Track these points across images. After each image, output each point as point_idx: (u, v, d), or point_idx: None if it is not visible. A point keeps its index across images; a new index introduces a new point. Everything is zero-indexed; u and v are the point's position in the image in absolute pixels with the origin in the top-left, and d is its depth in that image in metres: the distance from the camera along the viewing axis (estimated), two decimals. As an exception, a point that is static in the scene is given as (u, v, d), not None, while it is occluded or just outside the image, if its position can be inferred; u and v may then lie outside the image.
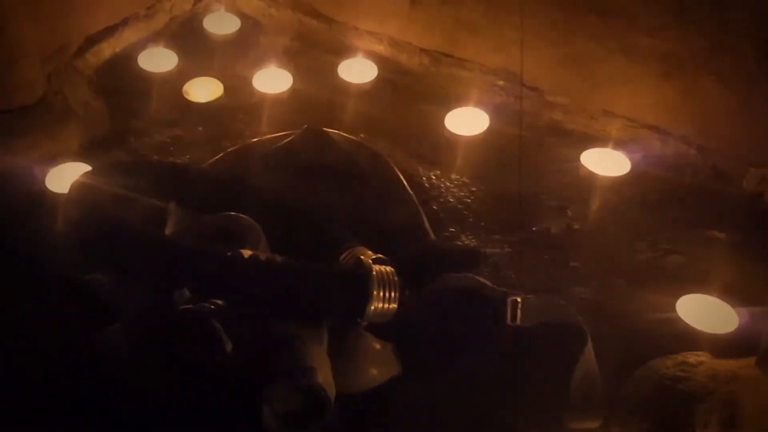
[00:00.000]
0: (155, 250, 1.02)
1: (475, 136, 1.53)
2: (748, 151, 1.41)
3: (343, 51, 1.72)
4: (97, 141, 1.49)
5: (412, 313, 1.09)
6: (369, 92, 1.65)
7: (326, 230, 1.20)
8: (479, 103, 1.57)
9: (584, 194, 1.44)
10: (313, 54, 1.77)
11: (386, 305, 1.00)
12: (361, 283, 0.99)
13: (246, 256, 1.00)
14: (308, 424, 0.92)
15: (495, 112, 1.56)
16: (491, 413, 1.04)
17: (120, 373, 0.99)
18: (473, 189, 1.46)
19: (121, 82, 1.64)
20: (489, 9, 1.57)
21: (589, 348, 1.08)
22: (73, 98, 1.50)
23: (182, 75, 1.63)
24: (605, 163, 1.46)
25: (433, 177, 1.47)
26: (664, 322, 1.21)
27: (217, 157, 1.40)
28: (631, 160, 1.45)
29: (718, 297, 1.22)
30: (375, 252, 1.11)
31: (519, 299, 1.12)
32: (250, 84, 1.62)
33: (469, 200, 1.43)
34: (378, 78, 1.65)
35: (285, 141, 1.39)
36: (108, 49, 1.68)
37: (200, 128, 1.56)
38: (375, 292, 0.98)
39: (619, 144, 1.50)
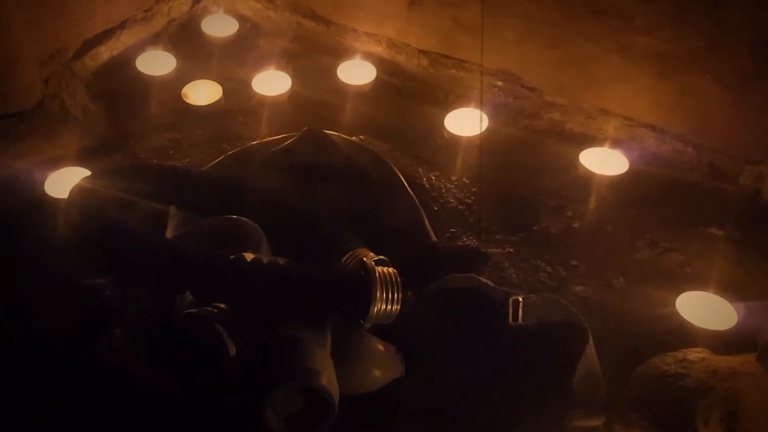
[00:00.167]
0: (157, 253, 1.02)
1: (475, 136, 1.53)
2: (745, 148, 1.41)
3: (341, 53, 1.73)
4: (96, 145, 1.49)
5: (414, 314, 1.10)
6: (368, 94, 1.65)
7: (327, 232, 1.20)
8: (478, 104, 1.57)
9: (583, 193, 1.44)
10: (312, 56, 1.77)
11: (389, 307, 1.00)
12: (364, 284, 0.99)
13: (249, 259, 1.00)
14: (312, 426, 0.92)
15: (494, 112, 1.57)
16: (494, 413, 1.04)
17: (122, 378, 0.99)
18: (473, 189, 1.46)
19: (119, 85, 1.64)
20: (487, 10, 1.57)
21: (591, 346, 1.09)
22: (72, 102, 1.49)
23: (181, 78, 1.63)
24: (603, 162, 1.46)
25: (433, 178, 1.47)
26: (664, 319, 1.22)
27: (217, 160, 1.40)
28: (628, 159, 1.46)
29: (718, 294, 1.23)
30: (377, 253, 1.11)
31: (520, 299, 1.13)
32: (249, 86, 1.62)
33: (469, 201, 1.43)
34: (377, 79, 1.65)
35: (285, 143, 1.39)
36: (106, 52, 1.68)
37: (199, 131, 1.56)
38: (378, 294, 0.99)
39: (616, 143, 1.50)
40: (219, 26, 1.78)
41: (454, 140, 1.53)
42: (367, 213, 1.30)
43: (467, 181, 1.48)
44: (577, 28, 1.49)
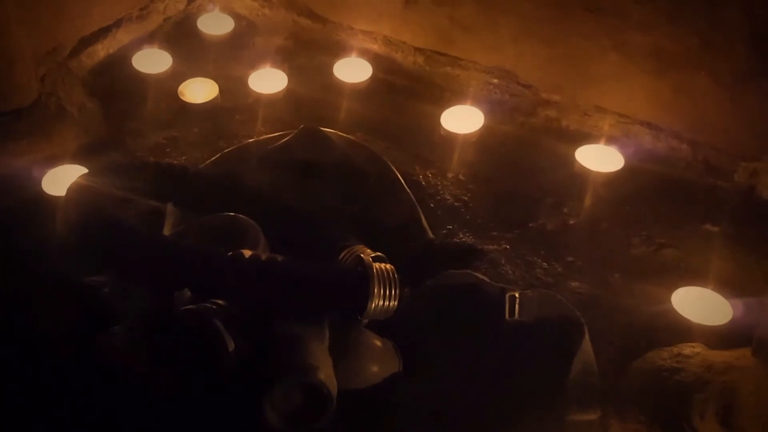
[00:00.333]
0: (156, 251, 1.03)
1: (471, 134, 1.53)
2: (740, 145, 1.42)
3: (337, 50, 1.72)
4: (92, 142, 1.48)
5: (411, 310, 1.11)
6: (364, 92, 1.65)
7: (324, 229, 1.20)
8: (474, 101, 1.57)
9: (579, 190, 1.45)
10: (308, 54, 1.77)
11: (387, 303, 1.01)
12: (362, 280, 1.00)
13: (247, 255, 1.00)
14: (311, 421, 0.93)
15: (490, 109, 1.57)
16: (491, 407, 1.05)
17: (121, 375, 0.99)
18: (470, 186, 1.46)
19: (115, 83, 1.63)
20: (483, 8, 1.57)
21: (587, 341, 1.10)
22: (68, 100, 1.49)
23: (177, 76, 1.63)
24: (599, 159, 1.47)
25: (430, 175, 1.48)
26: (660, 314, 1.22)
27: (213, 158, 1.41)
28: (624, 156, 1.47)
29: (713, 289, 1.23)
30: (374, 250, 1.12)
31: (517, 294, 1.14)
32: (245, 84, 1.62)
33: (465, 198, 1.44)
34: (373, 77, 1.65)
35: (282, 141, 1.40)
36: (102, 50, 1.68)
37: (196, 129, 1.56)
38: (376, 290, 0.99)
39: (612, 140, 1.51)
40: (215, 24, 1.78)
41: (450, 138, 1.54)
42: (364, 210, 1.30)
43: (463, 178, 1.48)
44: (573, 26, 1.49)
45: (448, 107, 1.57)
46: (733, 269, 1.27)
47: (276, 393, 0.91)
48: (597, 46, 1.49)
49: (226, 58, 1.74)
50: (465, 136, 1.53)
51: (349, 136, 1.47)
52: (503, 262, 1.32)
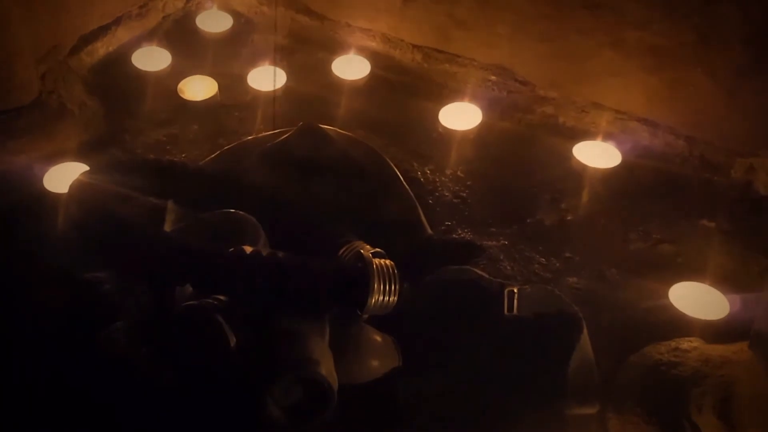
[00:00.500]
0: (157, 247, 1.03)
1: (469, 130, 1.54)
2: (736, 141, 1.43)
3: (336, 48, 1.73)
4: (93, 140, 1.49)
5: (411, 305, 1.10)
6: (363, 89, 1.65)
7: (324, 226, 1.20)
8: (472, 98, 1.58)
9: (576, 186, 1.46)
10: (307, 51, 1.77)
11: (387, 298, 1.01)
12: (361, 276, 1.00)
13: (247, 252, 1.01)
14: (312, 415, 0.93)
15: (488, 106, 1.58)
16: (490, 402, 1.06)
17: (123, 370, 0.99)
18: (468, 183, 1.47)
19: (115, 81, 1.63)
20: (480, 5, 1.58)
21: (585, 336, 1.10)
22: (68, 98, 1.49)
23: (176, 73, 1.63)
24: (596, 155, 1.47)
25: (428, 172, 1.48)
26: (657, 309, 1.23)
27: (213, 155, 1.40)
28: (621, 152, 1.47)
29: (710, 284, 1.24)
30: (373, 246, 1.12)
31: (515, 290, 1.14)
32: (244, 82, 1.62)
33: (464, 194, 1.45)
34: (371, 74, 1.65)
35: (281, 138, 1.39)
36: (102, 48, 1.68)
37: (195, 126, 1.56)
38: (375, 286, 0.99)
39: (609, 136, 1.52)
40: (213, 22, 1.78)
41: (448, 134, 1.54)
42: (363, 206, 1.30)
43: (462, 175, 1.49)
44: (569, 23, 1.50)
45: (446, 104, 1.57)
46: (730, 264, 1.28)
47: (277, 387, 0.91)
48: (594, 42, 1.49)
49: (225, 56, 1.74)
50: (463, 132, 1.54)
51: (347, 132, 1.46)
52: (502, 257, 1.33)
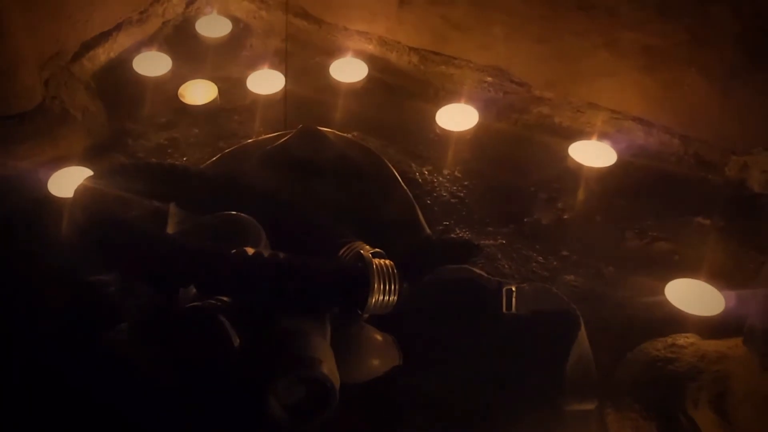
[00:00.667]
0: (161, 250, 1.04)
1: (466, 131, 1.55)
2: (730, 139, 1.43)
3: (333, 51, 1.74)
4: (96, 145, 1.50)
5: (410, 304, 1.10)
6: (360, 91, 1.66)
7: (324, 227, 1.21)
8: (468, 99, 1.59)
9: (573, 185, 1.47)
10: (305, 55, 1.78)
11: (387, 297, 1.02)
12: (362, 276, 1.01)
13: (249, 253, 1.02)
14: (314, 414, 0.94)
15: (484, 107, 1.59)
16: (489, 399, 1.07)
17: (128, 372, 1.00)
18: (465, 183, 1.48)
19: (117, 86, 1.64)
20: (476, 7, 1.58)
21: (583, 333, 1.11)
22: (71, 103, 1.50)
23: (176, 78, 1.64)
24: (592, 154, 1.48)
25: (426, 172, 1.49)
26: (654, 306, 1.24)
27: (214, 158, 1.42)
28: (617, 151, 1.48)
29: (705, 281, 1.25)
30: (372, 247, 1.13)
31: (513, 288, 1.15)
32: (243, 85, 1.63)
33: (461, 194, 1.46)
34: (369, 77, 1.67)
35: (281, 140, 1.41)
36: (103, 54, 1.69)
37: (196, 130, 1.57)
38: (376, 285, 1.00)
39: (605, 136, 1.52)
40: (213, 27, 1.79)
41: (445, 135, 1.55)
42: (363, 207, 1.32)
43: (459, 175, 1.50)
44: (564, 24, 1.51)
45: (443, 105, 1.58)
46: (725, 261, 1.29)
47: (280, 386, 0.92)
48: (588, 43, 1.50)
49: (225, 60, 1.76)
50: (460, 133, 1.55)
51: (346, 134, 1.48)
52: (500, 256, 1.34)
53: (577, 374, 1.09)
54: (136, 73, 1.65)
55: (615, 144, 1.49)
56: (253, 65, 1.69)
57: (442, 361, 1.10)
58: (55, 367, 1.05)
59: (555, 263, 1.34)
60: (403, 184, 1.39)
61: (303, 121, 1.44)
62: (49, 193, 1.33)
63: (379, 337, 1.09)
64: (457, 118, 1.56)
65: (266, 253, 1.03)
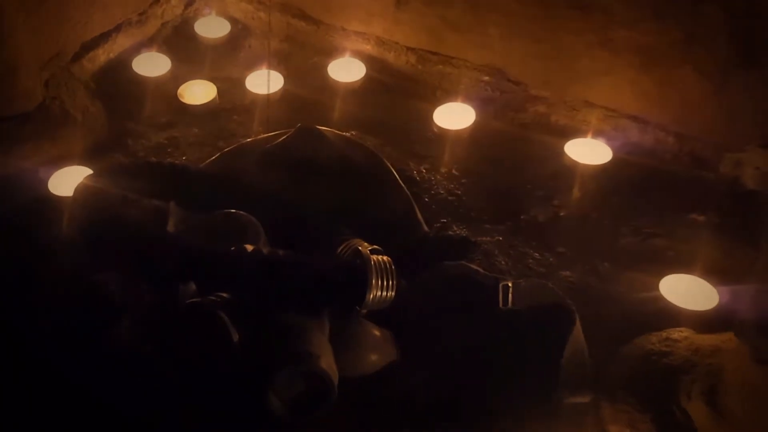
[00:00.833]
0: (161, 247, 1.05)
1: (463, 130, 1.56)
2: (724, 137, 1.44)
3: (331, 51, 1.75)
4: (96, 144, 1.51)
5: (408, 300, 1.13)
6: (358, 91, 1.68)
7: (323, 224, 1.23)
8: (465, 98, 1.60)
9: (569, 183, 1.48)
10: (303, 55, 1.79)
11: (385, 293, 1.03)
12: (360, 272, 1.02)
13: (249, 250, 1.03)
14: (312, 408, 0.95)
15: (481, 106, 1.60)
16: (486, 392, 1.08)
17: (130, 367, 1.02)
18: (463, 181, 1.49)
19: (117, 86, 1.66)
20: (472, 7, 1.59)
21: (578, 327, 1.12)
22: (71, 103, 1.51)
23: (176, 78, 1.66)
24: (588, 152, 1.49)
25: (424, 170, 1.50)
26: (649, 301, 1.25)
27: (213, 157, 1.42)
28: (612, 148, 1.49)
29: (699, 276, 1.27)
30: (371, 244, 1.14)
31: (510, 284, 1.16)
32: (242, 85, 1.64)
33: (459, 192, 1.47)
34: (367, 77, 1.68)
35: (280, 139, 1.41)
36: (103, 55, 1.70)
37: (195, 129, 1.58)
38: (374, 281, 1.02)
39: (600, 134, 1.53)
40: (211, 28, 1.80)
41: (443, 134, 1.57)
42: (361, 205, 1.32)
43: (456, 173, 1.51)
44: (560, 23, 1.52)
45: (440, 104, 1.59)
46: (719, 257, 1.30)
47: (279, 381, 0.93)
48: (584, 42, 1.51)
49: (223, 61, 1.77)
50: (457, 132, 1.56)
51: (344, 133, 1.49)
52: (496, 253, 1.35)
53: (573, 368, 1.09)
54: (136, 73, 1.66)
55: (610, 142, 1.51)
56: (251, 65, 1.70)
57: (439, 355, 1.11)
58: (55, 366, 1.06)
59: (551, 259, 1.35)
60: (400, 182, 1.39)
61: (301, 121, 1.45)
62: (50, 192, 1.35)
63: (377, 333, 1.10)
64: (454, 116, 1.58)
65: (265, 250, 1.05)
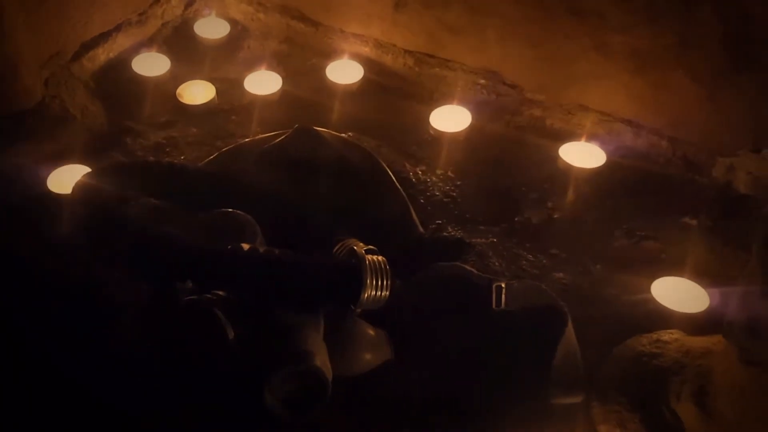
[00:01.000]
0: (159, 245, 1.06)
1: (459, 132, 1.57)
2: (717, 141, 1.45)
3: (330, 53, 1.76)
4: (95, 143, 1.51)
5: (403, 300, 1.13)
6: (356, 92, 1.68)
7: (319, 224, 1.24)
8: (462, 101, 1.61)
9: (563, 185, 1.48)
10: (302, 56, 1.80)
11: (379, 293, 1.03)
12: (355, 271, 1.03)
13: (245, 249, 1.03)
14: (307, 406, 0.96)
15: (477, 109, 1.60)
16: (479, 392, 1.09)
17: (127, 365, 1.02)
18: (458, 183, 1.50)
19: (116, 86, 1.66)
20: (469, 11, 1.60)
21: (570, 329, 1.13)
22: (71, 102, 1.52)
23: (175, 78, 1.66)
24: (582, 155, 1.50)
25: (420, 172, 1.51)
26: (640, 303, 1.26)
27: (211, 157, 1.43)
28: (606, 152, 1.50)
29: (690, 279, 1.28)
30: (366, 244, 1.14)
31: (503, 285, 1.17)
32: (241, 86, 1.65)
33: (454, 194, 1.47)
34: (364, 79, 1.68)
35: (277, 140, 1.42)
36: (103, 54, 1.71)
37: (194, 129, 1.59)
38: (368, 281, 1.02)
39: (594, 137, 1.54)
40: (211, 28, 1.81)
41: (439, 136, 1.57)
42: (357, 206, 1.33)
43: (452, 175, 1.51)
44: (555, 28, 1.53)
45: (436, 107, 1.60)
46: (710, 260, 1.30)
47: (274, 379, 0.94)
48: (579, 46, 1.52)
49: (223, 61, 1.77)
50: (453, 134, 1.57)
51: (342, 134, 1.49)
52: (491, 254, 1.36)
53: (564, 368, 1.10)
54: (136, 73, 1.67)
55: (604, 145, 1.51)
56: (250, 66, 1.71)
57: (432, 355, 1.12)
58: (55, 365, 1.07)
59: (544, 261, 1.36)
60: (397, 183, 1.40)
61: (299, 121, 1.46)
62: (49, 189, 1.35)
63: (371, 332, 1.10)
64: (451, 119, 1.58)
65: (261, 249, 1.05)
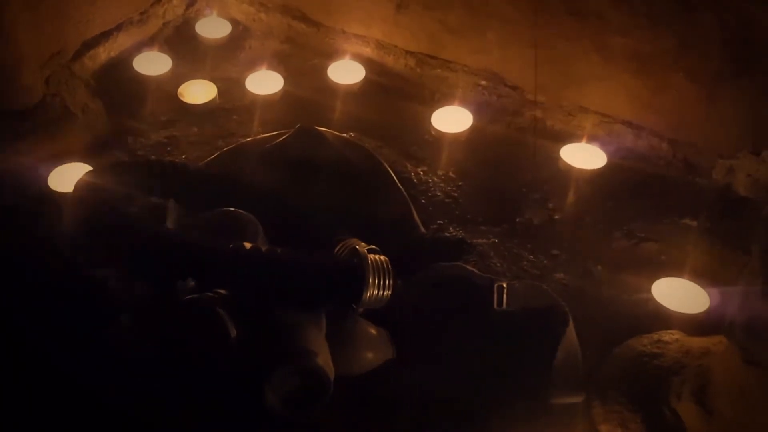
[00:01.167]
0: (160, 244, 1.06)
1: (460, 133, 1.57)
2: (717, 143, 1.45)
3: (331, 53, 1.76)
4: (96, 142, 1.51)
5: (405, 300, 1.14)
6: (357, 93, 1.69)
7: (321, 224, 1.24)
8: (463, 102, 1.61)
9: (564, 187, 1.49)
10: (303, 57, 1.80)
11: (381, 292, 1.04)
12: (357, 271, 1.03)
13: (247, 248, 1.04)
14: (308, 405, 0.96)
15: (478, 110, 1.61)
16: (480, 391, 1.09)
17: (129, 363, 1.02)
18: (459, 183, 1.50)
19: (117, 85, 1.66)
20: (471, 12, 1.60)
21: (571, 329, 1.13)
22: (72, 101, 1.52)
23: (176, 78, 1.66)
24: (583, 157, 1.51)
25: (421, 172, 1.51)
26: (641, 303, 1.27)
27: (213, 156, 1.43)
28: (606, 153, 1.50)
29: (691, 280, 1.28)
30: (368, 244, 1.14)
31: (504, 285, 1.17)
32: (242, 86, 1.65)
33: (455, 194, 1.48)
34: (366, 79, 1.69)
35: (279, 139, 1.42)
36: (104, 53, 1.71)
37: (195, 129, 1.59)
38: (370, 280, 1.03)
39: (595, 139, 1.54)
40: (212, 28, 1.81)
41: (440, 137, 1.58)
42: (358, 206, 1.33)
43: (453, 176, 1.52)
44: (556, 30, 1.53)
45: (438, 108, 1.61)
46: (710, 261, 1.31)
47: (275, 378, 0.94)
48: (579, 48, 1.52)
49: (224, 61, 1.78)
50: (454, 135, 1.57)
51: (343, 134, 1.50)
52: (492, 254, 1.36)
53: (565, 368, 1.11)
54: (137, 72, 1.67)
55: (605, 147, 1.52)
56: (251, 66, 1.71)
57: (434, 355, 1.12)
58: (55, 365, 1.07)
59: (545, 262, 1.36)
60: (398, 183, 1.40)
61: (301, 121, 1.46)
62: (50, 188, 1.35)
63: (373, 331, 1.11)
64: (452, 120, 1.59)
65: (263, 248, 1.05)
